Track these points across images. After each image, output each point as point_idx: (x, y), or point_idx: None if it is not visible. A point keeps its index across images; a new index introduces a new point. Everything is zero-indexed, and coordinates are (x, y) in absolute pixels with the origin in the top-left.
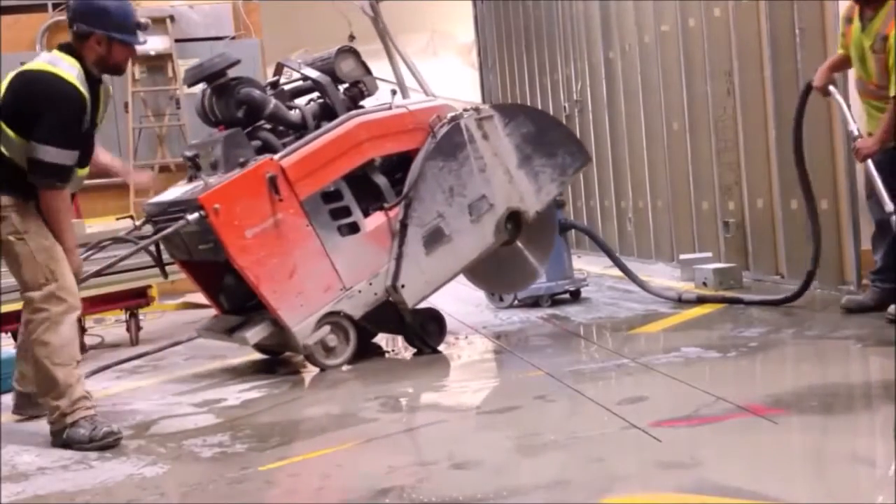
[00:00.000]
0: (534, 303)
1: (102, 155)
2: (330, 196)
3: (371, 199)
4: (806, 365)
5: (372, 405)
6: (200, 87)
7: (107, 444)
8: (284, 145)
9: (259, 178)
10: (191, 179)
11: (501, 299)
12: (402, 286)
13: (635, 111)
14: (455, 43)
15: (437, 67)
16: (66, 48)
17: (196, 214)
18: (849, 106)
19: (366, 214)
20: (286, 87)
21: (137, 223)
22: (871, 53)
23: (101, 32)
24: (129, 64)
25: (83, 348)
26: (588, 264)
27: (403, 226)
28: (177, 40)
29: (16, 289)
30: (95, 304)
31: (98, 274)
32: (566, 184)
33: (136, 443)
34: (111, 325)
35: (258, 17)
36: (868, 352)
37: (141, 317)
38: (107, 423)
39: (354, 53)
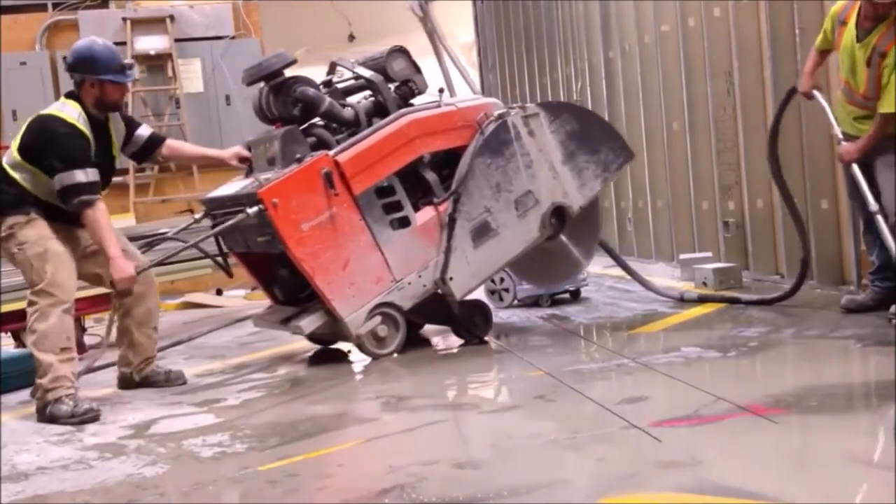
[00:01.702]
0: (534, 303)
1: (193, 149)
2: (382, 191)
3: (420, 195)
4: (806, 365)
5: (373, 405)
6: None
7: (87, 418)
8: (338, 142)
9: (315, 174)
10: (248, 175)
11: (501, 299)
12: (451, 279)
13: (635, 111)
14: (455, 43)
15: (437, 67)
16: (72, 94)
17: (256, 208)
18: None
19: (415, 209)
20: (339, 86)
21: (197, 216)
22: (863, 65)
23: (92, 77)
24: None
25: (83, 348)
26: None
27: (452, 220)
28: (177, 40)
29: (15, 289)
30: (96, 304)
31: (160, 263)
32: (609, 179)
33: (136, 443)
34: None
35: (258, 17)
36: (868, 352)
37: None
38: (87, 402)
39: (405, 53)
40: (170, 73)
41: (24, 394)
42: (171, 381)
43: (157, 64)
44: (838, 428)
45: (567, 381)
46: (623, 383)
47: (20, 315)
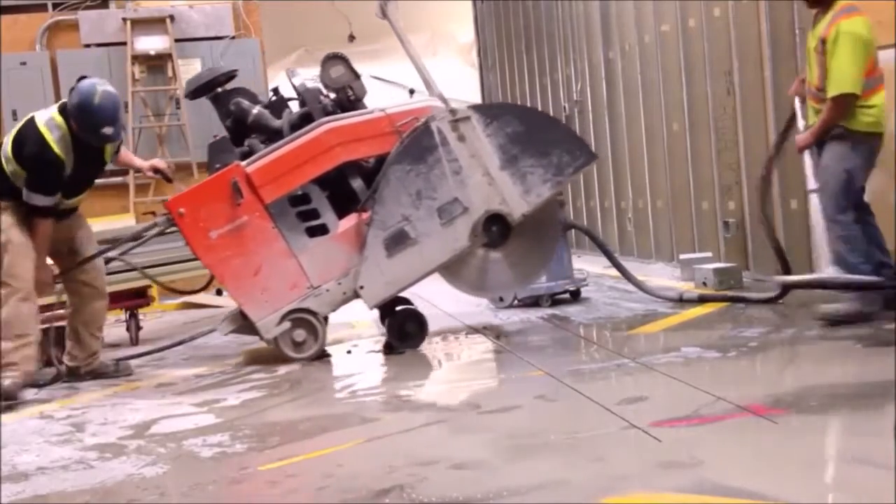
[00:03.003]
0: (534, 303)
1: (129, 157)
2: (300, 199)
3: (352, 202)
4: (806, 365)
5: (372, 405)
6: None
7: (11, 403)
8: None
9: (224, 184)
10: None
11: (501, 299)
12: (361, 287)
13: (635, 111)
14: (455, 43)
15: (437, 67)
16: (65, 110)
17: (163, 217)
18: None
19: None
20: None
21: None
22: (814, 55)
23: (80, 128)
24: (129, 63)
25: None
26: (588, 264)
27: (367, 228)
28: (177, 40)
29: None
30: None
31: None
32: (563, 184)
33: (136, 443)
34: (111, 325)
35: (258, 17)
36: (868, 352)
37: (141, 317)
38: (27, 386)
39: (343, 59)
40: (170, 73)
41: (24, 394)
42: (119, 371)
43: (157, 64)
44: (838, 428)
45: (567, 381)
46: (623, 383)
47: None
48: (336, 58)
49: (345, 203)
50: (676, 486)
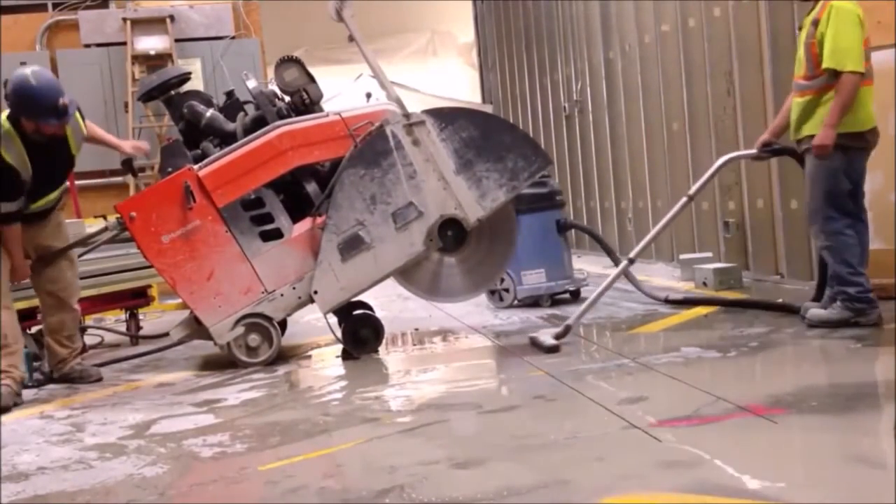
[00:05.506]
0: (534, 303)
1: (103, 135)
2: (253, 203)
3: (308, 207)
4: (806, 365)
5: (372, 405)
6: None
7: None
8: None
9: (176, 187)
10: None
11: (501, 299)
12: (315, 292)
13: (635, 111)
14: (455, 43)
15: (437, 67)
16: (11, 116)
17: (113, 220)
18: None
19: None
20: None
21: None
22: (803, 47)
23: (27, 118)
24: (129, 63)
25: (83, 349)
26: (588, 264)
27: (321, 233)
28: (177, 40)
29: (16, 289)
30: (95, 304)
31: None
32: (519, 189)
33: (136, 443)
34: (111, 326)
35: (258, 17)
36: (868, 352)
37: (141, 317)
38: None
39: (297, 62)
40: None
41: (24, 394)
42: (84, 378)
43: (157, 64)
44: (838, 428)
45: (567, 381)
46: (623, 383)
47: (21, 315)
48: (290, 61)
49: (299, 207)
50: (676, 486)
